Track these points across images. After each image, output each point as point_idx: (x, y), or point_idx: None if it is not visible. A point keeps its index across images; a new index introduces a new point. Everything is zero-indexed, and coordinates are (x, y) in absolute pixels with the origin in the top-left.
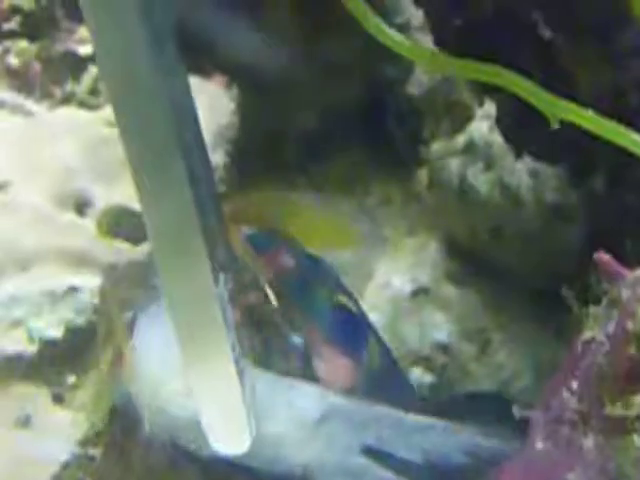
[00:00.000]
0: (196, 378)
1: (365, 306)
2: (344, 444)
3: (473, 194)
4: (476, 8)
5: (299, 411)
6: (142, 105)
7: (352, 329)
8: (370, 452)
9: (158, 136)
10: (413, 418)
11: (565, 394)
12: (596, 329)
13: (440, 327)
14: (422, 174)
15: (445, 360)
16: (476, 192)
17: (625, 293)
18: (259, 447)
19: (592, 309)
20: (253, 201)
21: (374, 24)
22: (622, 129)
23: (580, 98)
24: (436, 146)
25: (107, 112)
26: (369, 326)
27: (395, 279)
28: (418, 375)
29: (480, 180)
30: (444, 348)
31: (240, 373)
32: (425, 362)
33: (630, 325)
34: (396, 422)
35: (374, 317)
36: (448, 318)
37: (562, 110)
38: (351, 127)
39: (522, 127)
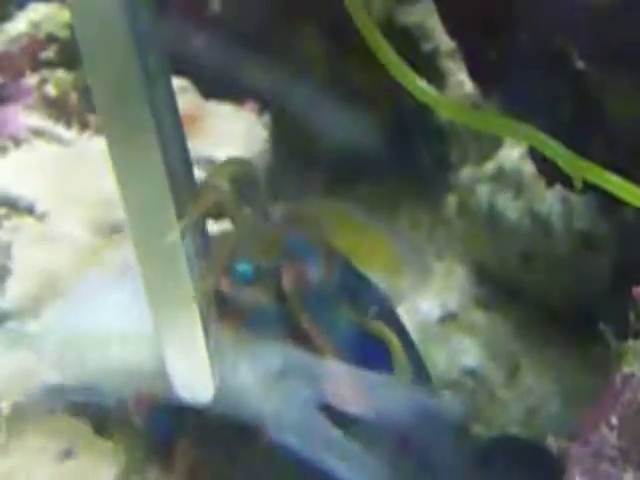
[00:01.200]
0: (163, 328)
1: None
2: (302, 399)
3: (503, 221)
4: (510, 39)
5: (262, 365)
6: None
7: (372, 359)
8: (326, 409)
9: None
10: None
11: (604, 429)
12: (636, 365)
13: (469, 352)
14: (451, 200)
15: (474, 385)
16: (506, 219)
17: None
18: (222, 396)
19: (631, 343)
20: (308, 208)
21: (409, 79)
22: None
23: (612, 130)
24: (465, 172)
25: None
26: (409, 361)
27: (424, 304)
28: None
29: (510, 207)
30: (472, 373)
31: (206, 326)
32: (454, 387)
33: None
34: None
35: None
36: (476, 343)
37: (585, 171)
38: (379, 153)
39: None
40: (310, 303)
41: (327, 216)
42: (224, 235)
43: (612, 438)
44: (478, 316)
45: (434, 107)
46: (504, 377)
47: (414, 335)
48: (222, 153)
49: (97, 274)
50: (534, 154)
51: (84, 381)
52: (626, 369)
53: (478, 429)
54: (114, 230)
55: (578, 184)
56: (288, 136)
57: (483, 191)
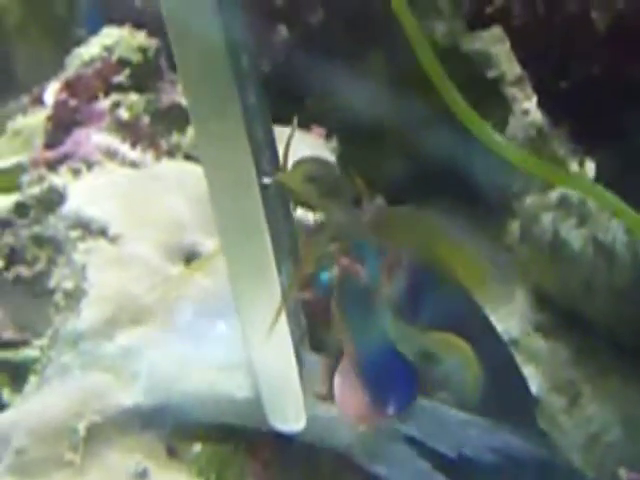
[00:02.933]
0: (255, 356)
1: None
2: (388, 431)
3: (566, 249)
4: (583, 70)
5: None
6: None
7: (392, 376)
8: (411, 441)
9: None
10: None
11: None
12: None
13: (530, 379)
14: (514, 227)
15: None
16: (569, 247)
17: None
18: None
19: None
20: (399, 215)
21: (484, 132)
22: None
23: None
24: (529, 200)
25: None
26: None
27: None
28: None
29: (573, 235)
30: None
31: (298, 353)
32: None
33: None
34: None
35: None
36: (538, 370)
37: None
38: (442, 177)
39: (621, 186)
40: (352, 301)
41: (415, 223)
42: (309, 241)
43: None
44: (539, 343)
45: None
46: (565, 404)
47: None
48: None
49: (189, 303)
50: (601, 180)
51: (173, 404)
52: None
53: None
54: (186, 253)
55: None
56: (354, 160)
57: (547, 219)
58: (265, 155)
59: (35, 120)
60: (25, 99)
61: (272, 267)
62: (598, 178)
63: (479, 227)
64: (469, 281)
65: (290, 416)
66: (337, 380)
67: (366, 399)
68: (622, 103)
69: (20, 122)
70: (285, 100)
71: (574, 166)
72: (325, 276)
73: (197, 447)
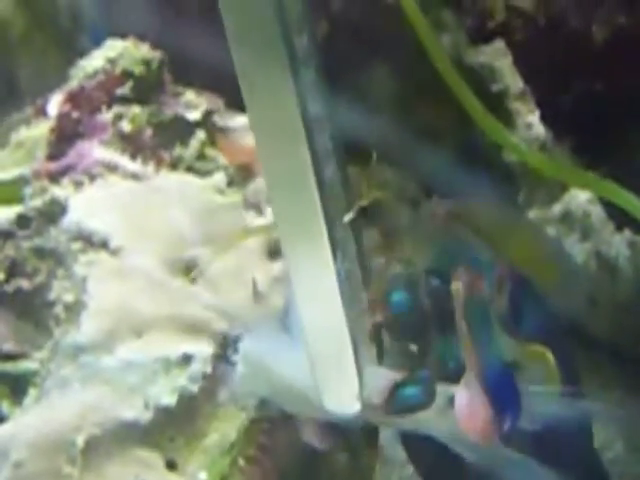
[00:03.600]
0: (312, 345)
1: None
2: None
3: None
4: (585, 84)
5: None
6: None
7: (511, 393)
8: None
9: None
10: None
11: None
12: None
13: None
14: None
15: None
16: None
17: None
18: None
19: None
20: (473, 208)
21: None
22: None
23: None
24: (532, 214)
25: (217, 179)
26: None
27: None
28: None
29: (576, 250)
30: None
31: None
32: None
33: None
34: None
35: None
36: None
37: None
38: (446, 191)
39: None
40: (477, 317)
41: (485, 216)
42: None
43: None
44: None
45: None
46: None
47: None
48: None
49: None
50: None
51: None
52: None
53: None
54: (187, 266)
55: None
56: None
57: (550, 233)
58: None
59: (38, 132)
60: (28, 110)
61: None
62: None
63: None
64: (541, 279)
65: (345, 398)
66: (462, 395)
67: (490, 416)
68: (624, 117)
69: (23, 134)
70: None
71: None
72: (399, 296)
73: (195, 460)
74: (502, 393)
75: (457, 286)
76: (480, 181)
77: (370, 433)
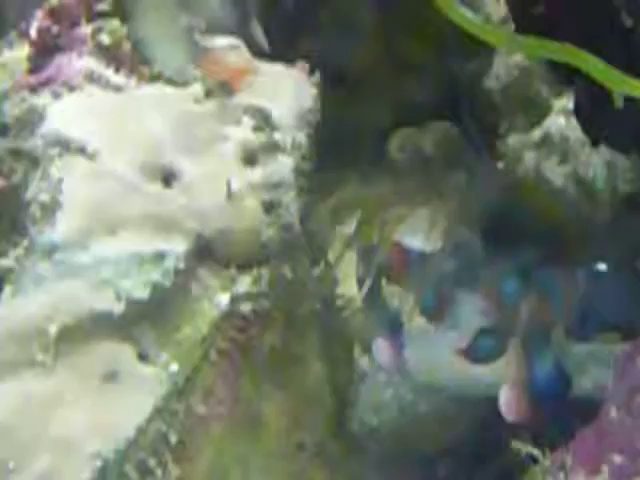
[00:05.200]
0: None
1: None
2: None
3: (548, 187)
4: None
5: None
6: None
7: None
8: None
9: None
10: None
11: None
12: None
13: None
14: (499, 167)
15: None
16: (551, 185)
17: None
18: None
19: None
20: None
21: (458, 13)
22: None
23: None
24: (512, 140)
25: (195, 89)
26: None
27: None
28: None
29: (555, 173)
30: None
31: None
32: None
33: None
34: None
35: None
36: None
37: (631, 87)
38: (425, 119)
39: (599, 116)
40: (537, 339)
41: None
42: None
43: None
44: None
45: (478, 35)
46: None
47: None
48: (272, 106)
49: None
50: (579, 112)
51: None
52: None
53: None
54: (164, 172)
55: (617, 100)
56: (337, 100)
57: (530, 158)
58: None
59: (21, 53)
60: (13, 35)
61: None
62: (577, 108)
63: (464, 170)
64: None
65: None
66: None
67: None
68: (597, 30)
69: (6, 55)
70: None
71: (557, 102)
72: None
73: (167, 352)
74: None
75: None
76: (462, 110)
77: None
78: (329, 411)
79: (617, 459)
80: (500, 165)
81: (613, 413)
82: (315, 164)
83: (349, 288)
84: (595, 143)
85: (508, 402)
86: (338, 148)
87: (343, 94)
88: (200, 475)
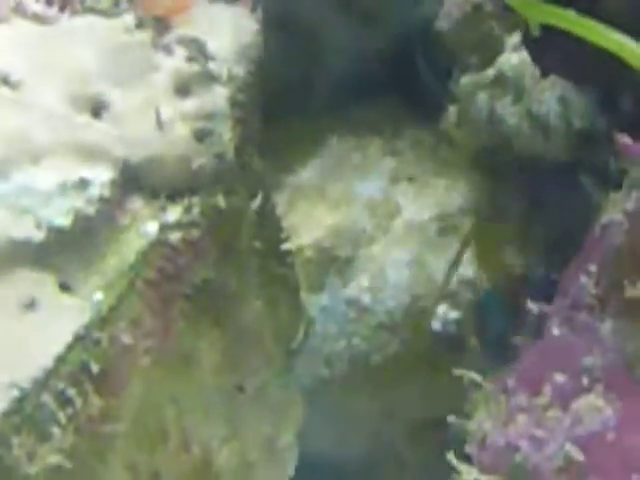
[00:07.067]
0: None
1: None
2: None
3: (502, 126)
4: None
5: None
6: None
7: None
8: None
9: None
10: None
11: (583, 279)
12: (615, 212)
13: (467, 263)
14: (452, 110)
15: (471, 296)
16: (506, 124)
17: None
18: None
19: (612, 195)
20: None
21: None
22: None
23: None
24: (465, 80)
25: (125, 20)
26: None
27: (422, 216)
28: (443, 311)
29: (509, 112)
30: (470, 284)
31: None
32: (451, 298)
33: None
34: None
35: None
36: (474, 254)
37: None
38: (382, 67)
39: (548, 45)
40: None
41: None
42: None
43: (590, 287)
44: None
45: None
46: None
47: (414, 247)
48: (209, 38)
49: None
50: (528, 43)
51: None
52: (606, 217)
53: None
54: (92, 102)
55: (535, 30)
56: (283, 44)
57: (483, 98)
58: None
59: None
60: None
61: None
62: (525, 38)
63: (421, 118)
64: None
65: None
66: None
67: None
68: None
69: None
70: None
71: (509, 40)
72: None
73: (90, 282)
74: None
75: None
76: (415, 58)
77: None
78: (271, 355)
79: (559, 378)
80: (453, 109)
81: (556, 331)
82: (263, 112)
83: (300, 237)
84: (545, 74)
85: None
86: (288, 97)
87: (293, 39)
88: (130, 411)
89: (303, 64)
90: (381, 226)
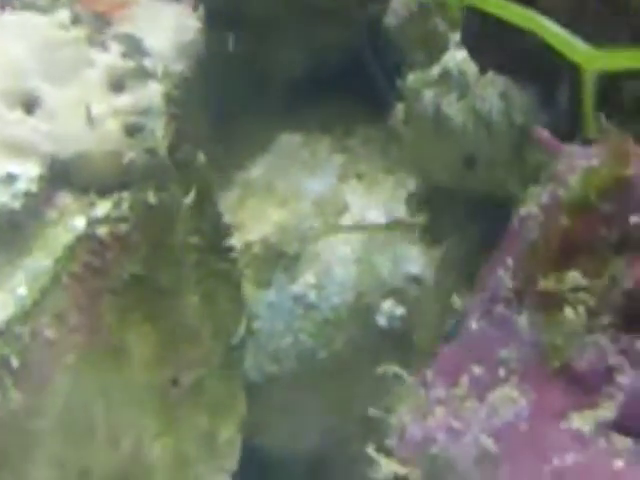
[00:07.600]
0: None
1: (339, 239)
2: None
3: (448, 124)
4: None
5: None
6: None
7: None
8: None
9: None
10: None
11: (500, 272)
12: (532, 205)
13: (417, 254)
14: (399, 108)
15: (417, 292)
16: (451, 122)
17: (560, 165)
18: None
19: (531, 188)
20: None
21: None
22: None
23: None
24: (411, 77)
25: (60, 16)
26: None
27: (371, 213)
28: (389, 307)
29: (454, 109)
30: (417, 280)
31: None
32: (397, 295)
33: (562, 193)
34: None
35: (347, 250)
36: (421, 251)
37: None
38: (335, 69)
39: (486, 41)
40: None
41: None
42: None
43: (507, 280)
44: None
45: None
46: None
47: (360, 243)
48: (146, 34)
49: None
50: (467, 39)
51: None
52: (524, 210)
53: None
54: (25, 98)
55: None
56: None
57: (429, 95)
58: None
59: None
60: None
61: None
62: (464, 34)
63: (372, 116)
64: None
65: None
66: None
67: None
68: None
69: None
70: None
71: (454, 37)
72: None
73: (16, 275)
74: None
75: None
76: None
77: None
78: (209, 350)
79: (476, 370)
80: (401, 106)
81: (474, 325)
82: (218, 110)
83: (248, 233)
84: (483, 70)
85: None
86: (239, 95)
87: (240, 37)
88: (55, 407)
89: (252, 62)
90: (328, 223)
